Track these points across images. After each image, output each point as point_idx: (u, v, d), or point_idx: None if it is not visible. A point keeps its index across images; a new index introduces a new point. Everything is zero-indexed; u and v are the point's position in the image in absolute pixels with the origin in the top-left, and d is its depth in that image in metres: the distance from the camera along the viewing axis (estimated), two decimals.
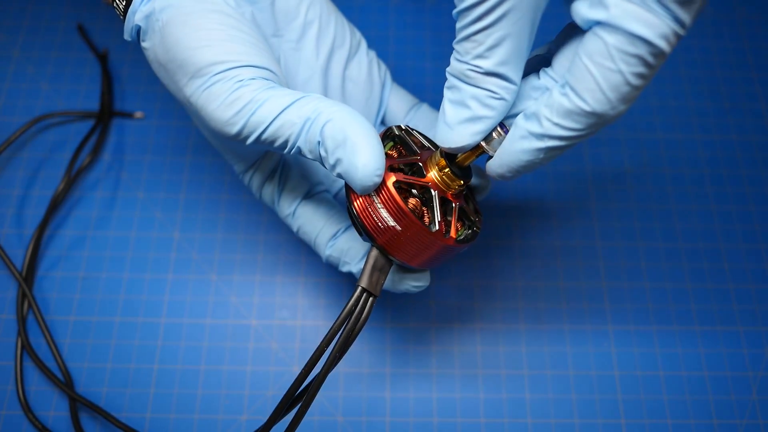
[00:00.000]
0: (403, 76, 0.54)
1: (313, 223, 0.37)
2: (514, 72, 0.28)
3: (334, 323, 0.31)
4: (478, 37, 0.27)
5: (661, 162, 0.51)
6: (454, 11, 0.27)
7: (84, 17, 0.55)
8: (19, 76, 0.53)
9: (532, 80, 0.30)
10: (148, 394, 0.43)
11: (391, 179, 0.30)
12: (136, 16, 0.33)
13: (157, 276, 0.46)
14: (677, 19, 0.24)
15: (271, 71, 0.32)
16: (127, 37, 0.34)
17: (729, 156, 0.51)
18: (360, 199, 0.31)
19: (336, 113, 0.30)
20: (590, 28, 0.26)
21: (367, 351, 0.45)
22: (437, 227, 0.31)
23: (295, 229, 0.38)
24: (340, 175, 0.30)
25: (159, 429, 0.42)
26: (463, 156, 0.32)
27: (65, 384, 0.42)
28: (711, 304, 0.47)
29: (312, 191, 0.38)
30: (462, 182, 0.32)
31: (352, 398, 0.43)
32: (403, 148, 0.34)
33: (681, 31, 0.24)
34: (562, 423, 0.43)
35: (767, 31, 0.56)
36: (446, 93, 0.30)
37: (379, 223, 0.31)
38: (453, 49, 0.29)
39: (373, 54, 0.41)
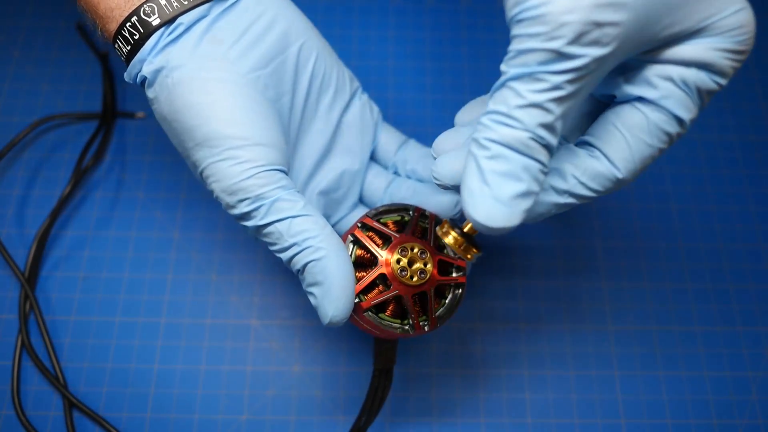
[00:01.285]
0: (403, 76, 0.54)
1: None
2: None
3: (364, 405, 0.38)
4: (551, 105, 0.25)
5: (661, 162, 0.51)
6: (517, 71, 0.25)
7: (84, 17, 0.55)
8: (19, 76, 0.53)
9: None
10: (148, 394, 0.43)
11: (366, 309, 0.34)
12: (144, 66, 0.32)
13: (157, 276, 0.46)
14: (700, 107, 0.28)
15: (278, 149, 0.33)
16: (128, 80, 0.34)
17: (729, 156, 0.51)
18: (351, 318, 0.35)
19: (323, 254, 0.31)
20: (626, 101, 0.28)
21: (367, 351, 0.45)
22: (414, 331, 0.34)
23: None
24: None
25: (159, 429, 0.42)
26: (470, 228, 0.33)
27: (61, 384, 0.43)
28: (711, 304, 0.47)
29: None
30: (425, 271, 0.34)
31: (352, 398, 0.43)
32: (360, 248, 0.35)
33: (694, 118, 0.28)
34: (562, 423, 0.43)
35: (767, 31, 0.56)
36: (487, 163, 0.26)
37: (371, 331, 0.35)
38: (497, 113, 0.26)
39: (365, 97, 0.41)
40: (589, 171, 0.28)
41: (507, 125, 0.25)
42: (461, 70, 0.54)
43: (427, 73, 0.54)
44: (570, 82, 0.25)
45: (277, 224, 0.32)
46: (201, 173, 0.33)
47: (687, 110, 0.27)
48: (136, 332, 0.45)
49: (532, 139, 0.25)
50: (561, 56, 0.24)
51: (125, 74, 0.34)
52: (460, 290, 0.36)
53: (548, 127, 0.25)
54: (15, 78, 0.53)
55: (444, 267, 0.35)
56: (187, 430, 0.42)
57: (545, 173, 0.27)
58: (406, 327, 0.34)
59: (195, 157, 0.33)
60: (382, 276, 0.34)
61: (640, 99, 0.28)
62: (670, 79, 0.27)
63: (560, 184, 0.29)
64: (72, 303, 0.46)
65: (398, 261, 0.34)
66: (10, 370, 0.44)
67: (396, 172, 0.42)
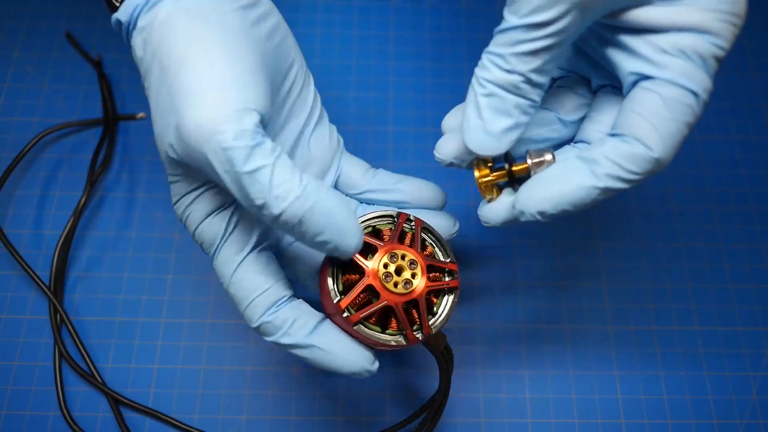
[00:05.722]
0: (403, 76, 0.54)
1: (254, 282, 0.33)
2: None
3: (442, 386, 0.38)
4: (542, 53, 0.28)
5: None
6: (514, 22, 0.28)
7: (79, 23, 0.55)
8: (19, 76, 0.53)
9: (542, 112, 0.34)
10: (148, 394, 0.43)
11: (356, 322, 0.32)
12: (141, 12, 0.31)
13: (157, 276, 0.46)
14: (710, 75, 0.29)
15: (268, 115, 0.31)
16: (122, 18, 0.32)
17: (729, 156, 0.51)
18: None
19: (315, 200, 0.29)
20: (634, 82, 0.29)
21: None
22: (408, 342, 0.32)
23: (227, 282, 0.33)
24: (321, 249, 0.31)
25: (159, 429, 0.42)
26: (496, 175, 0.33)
27: (103, 383, 0.43)
28: (711, 304, 0.47)
29: (261, 242, 0.34)
30: (409, 282, 0.33)
31: (352, 398, 0.43)
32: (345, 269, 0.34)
33: (710, 86, 0.29)
34: (562, 423, 0.43)
35: (767, 31, 0.56)
36: (483, 101, 0.30)
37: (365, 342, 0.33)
38: (496, 55, 0.29)
39: (333, 127, 0.40)
40: (622, 153, 0.29)
41: (499, 68, 0.29)
42: (461, 70, 0.54)
43: (427, 73, 0.54)
44: (559, 32, 0.28)
45: (263, 171, 0.28)
46: (182, 105, 0.29)
47: (693, 80, 0.28)
48: (136, 332, 0.45)
49: (524, 82, 0.29)
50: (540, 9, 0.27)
51: (116, 16, 0.32)
52: (453, 295, 0.34)
53: (538, 71, 0.29)
54: (15, 78, 0.53)
55: (434, 271, 0.34)
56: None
57: (535, 107, 0.31)
58: (399, 338, 0.33)
59: (182, 86, 0.29)
60: (370, 287, 0.32)
61: (647, 78, 0.29)
62: (665, 51, 0.28)
63: (597, 168, 0.29)
64: (72, 303, 0.46)
65: (385, 267, 0.32)
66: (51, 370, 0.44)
67: (364, 201, 0.40)
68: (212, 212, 0.33)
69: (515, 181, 0.33)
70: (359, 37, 0.55)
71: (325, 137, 0.39)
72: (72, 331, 0.44)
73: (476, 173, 0.34)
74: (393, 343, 0.32)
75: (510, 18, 0.28)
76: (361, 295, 0.32)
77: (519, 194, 0.31)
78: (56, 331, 0.44)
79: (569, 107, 0.34)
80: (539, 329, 0.46)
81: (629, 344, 0.45)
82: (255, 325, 0.33)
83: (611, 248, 0.48)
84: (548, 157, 0.31)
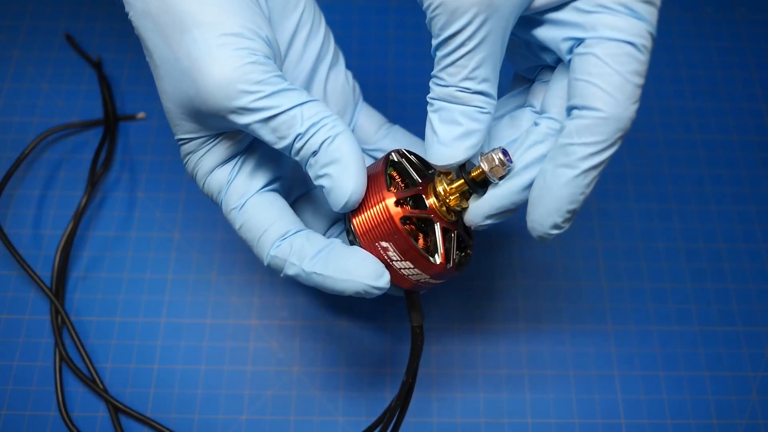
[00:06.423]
0: (403, 76, 0.54)
1: (261, 219, 0.33)
2: (494, 88, 0.31)
3: (411, 367, 0.35)
4: (462, 61, 0.29)
5: (661, 162, 0.51)
6: (435, 42, 0.30)
7: (79, 23, 0.55)
8: (19, 76, 0.53)
9: (509, 118, 0.34)
10: (148, 394, 0.43)
11: (399, 215, 0.32)
12: None
13: (157, 276, 0.47)
14: (644, 18, 0.28)
15: (275, 50, 0.32)
16: None
17: (729, 156, 0.51)
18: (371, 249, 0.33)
19: (340, 131, 0.31)
20: (570, 51, 0.30)
21: (367, 352, 0.45)
22: (439, 260, 0.32)
23: (238, 225, 0.34)
24: (320, 186, 0.32)
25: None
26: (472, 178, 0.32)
27: (104, 390, 0.43)
28: (711, 304, 0.47)
29: (266, 186, 0.35)
30: (455, 215, 0.34)
31: (352, 398, 0.43)
32: (399, 174, 0.34)
33: (650, 28, 0.28)
34: (562, 423, 0.43)
35: (767, 31, 0.56)
36: (433, 116, 0.32)
37: (386, 253, 0.32)
38: (432, 76, 0.31)
39: (350, 73, 0.40)
40: (578, 130, 0.29)
41: (437, 84, 0.31)
42: None
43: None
44: (470, 37, 0.29)
45: (295, 110, 0.30)
46: (191, 63, 0.30)
47: (623, 30, 0.28)
48: (136, 332, 0.45)
49: (459, 91, 0.30)
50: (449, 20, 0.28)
51: None
52: (470, 252, 0.36)
53: (469, 78, 0.30)
54: (15, 78, 0.53)
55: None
56: (187, 430, 0.42)
57: (484, 113, 0.31)
58: (432, 258, 0.32)
59: (186, 47, 0.30)
60: (419, 198, 0.33)
61: (579, 43, 0.29)
62: (587, 11, 0.29)
63: (568, 159, 0.29)
64: (71, 303, 0.46)
65: (435, 188, 0.33)
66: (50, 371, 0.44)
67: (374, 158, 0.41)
68: (219, 164, 0.34)
69: (478, 186, 0.33)
70: (359, 37, 0.55)
71: (341, 81, 0.39)
72: (73, 333, 0.44)
73: (440, 189, 0.33)
74: (424, 257, 0.32)
75: (433, 41, 0.30)
76: (409, 201, 0.33)
77: (528, 217, 0.31)
78: (57, 333, 0.44)
79: (542, 97, 0.34)
80: (539, 329, 0.46)
81: (629, 344, 0.45)
82: (266, 262, 0.33)
83: (611, 248, 0.48)
84: (498, 155, 0.31)
